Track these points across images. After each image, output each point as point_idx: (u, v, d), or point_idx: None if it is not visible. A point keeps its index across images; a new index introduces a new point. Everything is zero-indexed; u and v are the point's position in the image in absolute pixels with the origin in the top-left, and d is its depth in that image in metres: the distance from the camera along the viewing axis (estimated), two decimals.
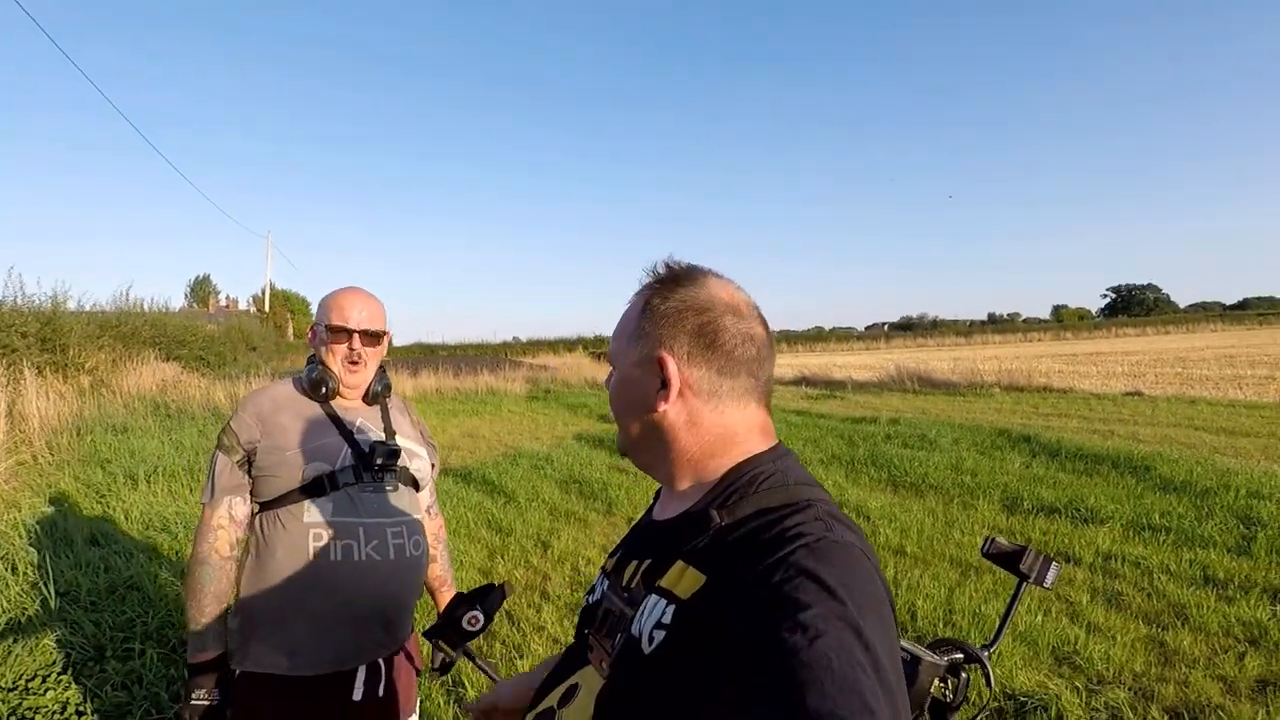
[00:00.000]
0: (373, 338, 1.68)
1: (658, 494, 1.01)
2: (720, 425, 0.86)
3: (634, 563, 0.89)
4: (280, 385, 1.69)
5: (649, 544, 0.90)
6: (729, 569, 0.73)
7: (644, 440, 0.88)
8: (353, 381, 1.67)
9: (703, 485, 0.85)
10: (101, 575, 3.78)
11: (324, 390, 1.63)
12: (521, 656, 3.35)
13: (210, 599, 1.50)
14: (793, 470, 0.84)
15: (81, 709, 2.66)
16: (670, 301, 0.86)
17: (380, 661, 1.60)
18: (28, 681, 2.72)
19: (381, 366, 1.76)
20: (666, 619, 0.74)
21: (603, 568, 0.98)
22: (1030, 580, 1.51)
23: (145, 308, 17.64)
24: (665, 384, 0.84)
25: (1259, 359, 21.54)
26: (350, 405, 1.70)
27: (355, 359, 1.66)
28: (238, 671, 1.51)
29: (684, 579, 0.77)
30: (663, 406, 0.85)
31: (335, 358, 1.65)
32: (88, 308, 14.03)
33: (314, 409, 1.64)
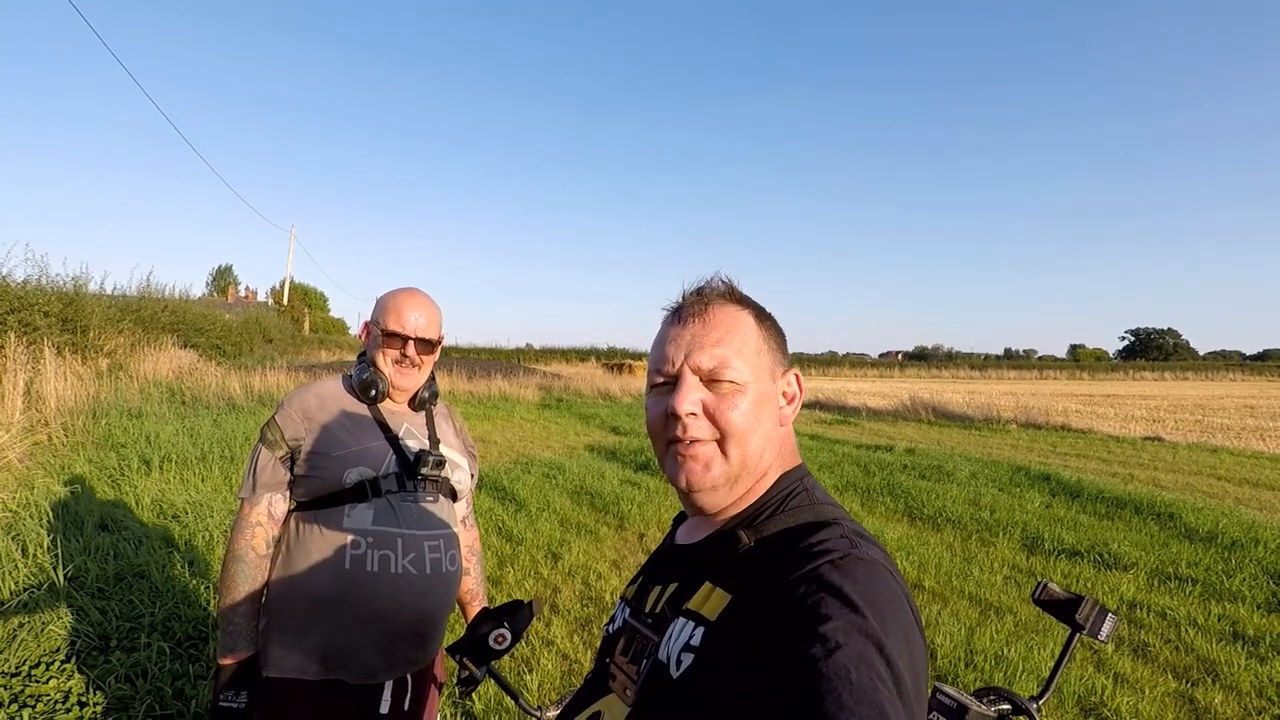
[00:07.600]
0: (427, 345, 1.63)
1: (677, 519, 1.01)
2: (792, 438, 0.90)
3: (657, 588, 0.88)
4: (327, 382, 1.64)
5: (673, 568, 0.89)
6: (754, 585, 0.72)
7: (760, 460, 0.84)
8: (403, 384, 1.62)
9: (740, 504, 0.84)
10: (110, 562, 3.74)
11: (374, 392, 1.59)
12: (530, 671, 3.28)
13: (245, 597, 1.46)
14: (817, 489, 0.85)
15: (84, 699, 2.59)
16: (769, 320, 0.88)
17: (408, 676, 1.55)
18: (31, 668, 2.67)
19: (431, 374, 1.71)
20: (695, 641, 0.73)
21: (623, 596, 0.98)
22: (1084, 632, 1.43)
23: (166, 294, 17.82)
24: (791, 399, 0.88)
25: None
26: (396, 409, 1.65)
27: (407, 365, 1.61)
28: (265, 675, 1.46)
29: (711, 599, 0.76)
30: (788, 421, 0.88)
31: (387, 360, 1.60)
32: (109, 291, 14.15)
33: (361, 410, 1.60)
